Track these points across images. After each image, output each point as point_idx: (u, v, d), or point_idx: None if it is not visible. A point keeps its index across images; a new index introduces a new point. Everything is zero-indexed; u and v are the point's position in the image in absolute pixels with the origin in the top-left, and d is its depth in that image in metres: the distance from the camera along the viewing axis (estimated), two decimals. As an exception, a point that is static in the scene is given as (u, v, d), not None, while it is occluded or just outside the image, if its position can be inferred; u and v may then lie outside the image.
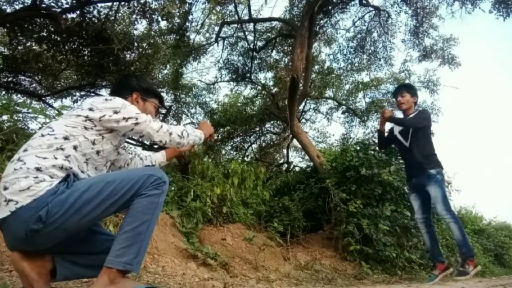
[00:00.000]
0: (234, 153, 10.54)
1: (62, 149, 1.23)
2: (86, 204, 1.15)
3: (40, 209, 1.10)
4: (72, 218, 1.13)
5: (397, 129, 3.46)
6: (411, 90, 3.49)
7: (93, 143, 1.32)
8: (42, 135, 1.25)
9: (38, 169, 1.16)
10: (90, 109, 1.32)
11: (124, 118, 1.33)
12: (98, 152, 1.35)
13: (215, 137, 1.83)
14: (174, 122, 9.53)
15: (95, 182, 1.20)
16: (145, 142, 8.64)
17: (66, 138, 1.25)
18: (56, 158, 1.20)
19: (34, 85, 8.04)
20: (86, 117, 1.30)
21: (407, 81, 9.17)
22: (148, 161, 1.77)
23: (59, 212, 1.12)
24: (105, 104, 1.34)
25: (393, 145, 3.92)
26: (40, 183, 1.13)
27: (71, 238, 1.22)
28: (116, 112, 1.32)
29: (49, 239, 1.17)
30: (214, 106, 10.19)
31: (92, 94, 7.94)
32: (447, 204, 3.06)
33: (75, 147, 1.26)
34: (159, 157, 1.82)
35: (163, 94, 9.33)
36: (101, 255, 1.21)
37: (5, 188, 1.12)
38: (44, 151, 1.20)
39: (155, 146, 8.09)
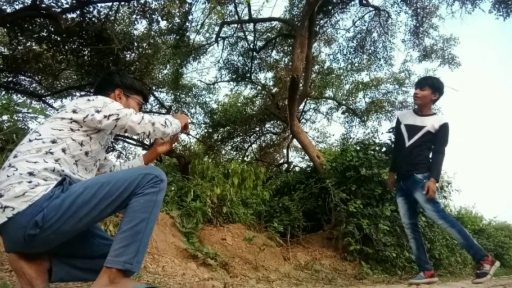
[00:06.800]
0: (234, 153, 10.55)
1: (51, 153, 1.23)
2: (82, 207, 1.15)
3: (36, 215, 1.11)
4: (68, 222, 1.14)
5: (406, 121, 3.07)
6: (434, 85, 2.97)
7: (81, 144, 1.32)
8: (30, 140, 1.25)
9: (31, 174, 1.16)
10: (74, 111, 1.32)
11: (105, 116, 1.32)
12: (87, 153, 1.35)
13: (189, 129, 1.82)
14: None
15: (90, 184, 1.20)
16: (145, 141, 8.63)
17: (53, 141, 1.26)
18: (46, 162, 1.21)
19: (34, 85, 8.02)
20: (71, 119, 1.30)
21: (407, 81, 9.18)
22: (125, 166, 1.73)
23: (55, 217, 1.12)
24: (87, 105, 1.33)
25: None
26: (35, 188, 1.14)
27: (70, 241, 1.22)
28: (98, 111, 1.32)
29: (48, 242, 1.17)
30: (214, 106, 10.18)
31: (92, 94, 7.91)
32: (437, 209, 2.79)
33: (63, 150, 1.27)
34: (137, 161, 1.77)
35: (163, 94, 9.32)
36: (98, 260, 1.21)
37: (0, 196, 1.13)
38: (33, 155, 1.21)
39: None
